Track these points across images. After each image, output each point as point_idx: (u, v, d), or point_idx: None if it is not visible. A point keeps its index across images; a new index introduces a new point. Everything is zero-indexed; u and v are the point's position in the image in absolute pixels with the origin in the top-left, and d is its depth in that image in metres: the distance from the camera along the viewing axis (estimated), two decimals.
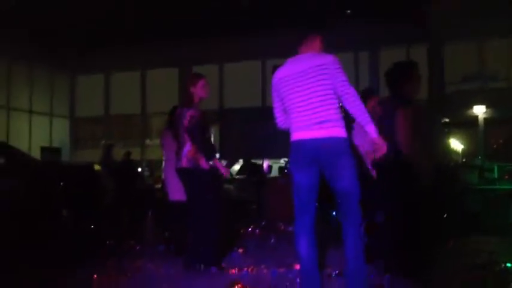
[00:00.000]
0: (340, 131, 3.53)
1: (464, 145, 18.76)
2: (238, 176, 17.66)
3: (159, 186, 15.37)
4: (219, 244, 4.88)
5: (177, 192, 6.06)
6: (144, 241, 6.58)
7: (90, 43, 21.30)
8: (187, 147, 4.75)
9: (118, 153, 14.07)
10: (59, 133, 24.03)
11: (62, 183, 7.37)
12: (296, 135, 3.63)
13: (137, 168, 15.72)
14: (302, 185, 3.62)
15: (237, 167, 18.19)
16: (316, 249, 3.63)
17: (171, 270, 4.88)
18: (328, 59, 3.59)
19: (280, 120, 3.89)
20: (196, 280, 4.44)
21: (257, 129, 15.63)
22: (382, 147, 3.57)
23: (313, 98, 3.55)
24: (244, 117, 16.86)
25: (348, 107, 3.53)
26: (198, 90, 4.94)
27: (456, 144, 18.83)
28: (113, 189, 9.98)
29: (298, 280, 4.32)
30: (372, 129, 3.53)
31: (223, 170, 5.25)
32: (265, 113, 18.74)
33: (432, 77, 17.43)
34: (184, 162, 4.80)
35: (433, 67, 17.43)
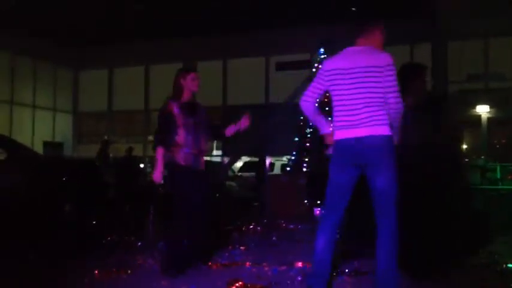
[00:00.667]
0: (385, 129, 3.50)
1: (467, 145, 18.71)
2: (240, 173, 17.69)
3: (161, 182, 15.39)
4: (198, 244, 4.72)
5: None
6: (145, 237, 6.58)
7: (94, 38, 21.31)
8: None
9: (120, 149, 14.09)
10: (62, 128, 24.09)
11: (64, 178, 7.36)
12: (341, 134, 3.57)
13: (139, 164, 15.73)
14: (339, 185, 3.59)
15: (239, 164, 18.22)
16: (332, 249, 3.62)
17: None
18: (386, 60, 3.53)
19: (309, 104, 3.74)
20: (196, 277, 4.43)
21: (260, 126, 15.59)
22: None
23: (364, 98, 3.50)
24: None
25: (392, 113, 3.55)
26: (189, 84, 4.86)
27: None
28: (114, 185, 9.98)
29: (299, 278, 4.32)
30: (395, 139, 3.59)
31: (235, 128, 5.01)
32: (269, 110, 18.84)
33: (436, 75, 17.37)
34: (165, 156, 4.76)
35: (437, 65, 17.37)
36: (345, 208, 3.63)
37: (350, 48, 3.68)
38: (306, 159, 11.26)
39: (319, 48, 11.69)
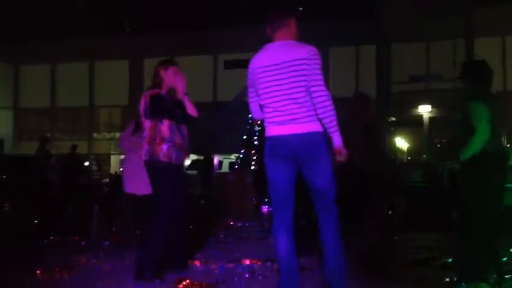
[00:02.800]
0: (318, 126, 3.45)
1: (409, 143, 19.31)
2: (188, 172, 17.55)
3: (106, 180, 15.10)
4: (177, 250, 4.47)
5: (128, 185, 6.00)
6: (89, 237, 6.44)
7: (36, 33, 20.65)
8: (145, 135, 4.38)
9: (64, 147, 13.73)
10: (2, 124, 23.20)
11: (3, 176, 7.10)
12: (273, 130, 3.51)
13: (83, 162, 15.36)
14: (280, 181, 3.51)
15: (187, 162, 18.06)
16: (294, 245, 3.52)
17: (116, 266, 4.79)
18: (309, 52, 3.44)
19: (257, 114, 3.70)
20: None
21: (208, 124, 15.58)
22: (343, 156, 3.47)
23: (292, 93, 3.42)
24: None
25: (318, 108, 3.41)
26: (169, 77, 4.48)
27: (401, 143, 19.35)
28: (56, 183, 9.73)
29: (246, 275, 4.34)
30: (337, 138, 3.45)
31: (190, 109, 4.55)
32: (217, 108, 18.79)
33: (379, 76, 17.82)
34: (143, 154, 4.39)
35: (381, 67, 17.82)
36: (293, 204, 3.55)
37: (270, 44, 3.59)
38: (254, 157, 11.33)
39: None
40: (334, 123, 3.42)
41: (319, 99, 3.39)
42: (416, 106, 18.41)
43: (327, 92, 3.42)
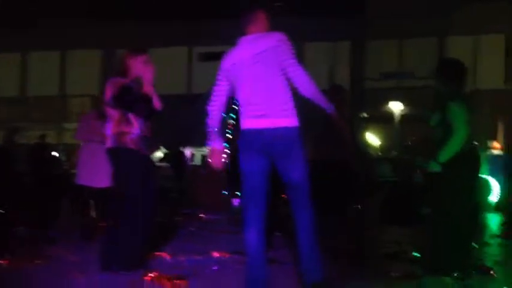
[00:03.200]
0: (294, 121, 3.46)
1: (381, 140, 19.53)
2: (160, 164, 17.43)
3: (75, 171, 14.90)
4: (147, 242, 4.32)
5: (83, 176, 5.95)
6: (58, 227, 6.37)
7: (5, 20, 20.19)
8: (110, 123, 4.24)
9: (35, 137, 13.49)
10: None
11: None
12: (248, 124, 3.50)
13: (52, 152, 15.12)
14: (253, 173, 3.51)
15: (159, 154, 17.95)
16: (264, 238, 3.51)
17: (85, 257, 4.74)
18: (277, 38, 3.46)
19: (216, 106, 3.67)
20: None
21: (181, 116, 15.49)
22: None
23: (267, 86, 3.44)
24: (168, 104, 16.62)
25: (298, 86, 3.45)
26: (137, 66, 4.33)
27: (373, 139, 19.56)
28: (25, 173, 9.57)
29: (215, 267, 4.34)
30: (328, 106, 3.54)
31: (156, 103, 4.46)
32: (191, 100, 18.68)
33: (354, 72, 17.97)
34: (108, 142, 4.23)
35: (356, 63, 17.97)
36: (265, 198, 3.54)
37: (243, 38, 3.61)
38: (227, 151, 11.31)
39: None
40: (321, 95, 3.50)
41: (299, 78, 3.43)
42: (388, 103, 18.62)
43: (303, 70, 3.44)
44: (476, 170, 4.32)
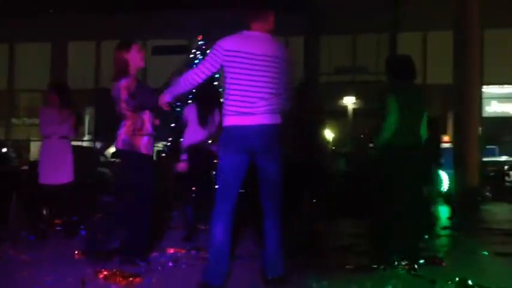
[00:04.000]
0: (276, 118, 3.57)
1: (334, 134, 19.79)
2: (114, 159, 17.14)
3: (25, 167, 14.47)
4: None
5: (46, 175, 5.83)
6: (7, 226, 6.16)
7: None
8: (124, 125, 4.21)
9: None
10: None
11: None
12: (232, 120, 3.51)
13: (1, 148, 14.65)
14: (232, 169, 3.54)
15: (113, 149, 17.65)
16: (230, 235, 3.55)
17: (34, 256, 4.62)
18: (285, 51, 3.64)
19: (195, 81, 3.60)
20: (62, 266, 4.24)
21: None
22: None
23: (266, 87, 3.51)
24: None
25: (283, 99, 3.62)
26: (134, 57, 4.26)
27: (327, 133, 19.81)
28: None
29: (170, 264, 4.30)
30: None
31: None
32: None
33: (308, 67, 18.14)
34: (119, 144, 4.24)
35: (309, 58, 18.13)
36: (237, 194, 3.59)
37: (249, 33, 3.60)
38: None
39: (198, 35, 11.63)
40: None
41: (288, 95, 3.62)
42: (341, 97, 18.89)
43: (289, 92, 3.66)
44: (411, 163, 4.46)
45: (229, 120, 3.53)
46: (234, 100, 3.50)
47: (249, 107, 3.48)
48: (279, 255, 3.57)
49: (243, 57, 3.48)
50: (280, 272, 3.56)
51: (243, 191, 3.78)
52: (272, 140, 3.54)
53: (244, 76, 3.48)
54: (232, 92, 3.51)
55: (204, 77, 3.57)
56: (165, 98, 3.81)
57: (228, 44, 3.51)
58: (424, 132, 4.57)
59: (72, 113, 6.11)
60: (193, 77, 3.58)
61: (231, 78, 3.51)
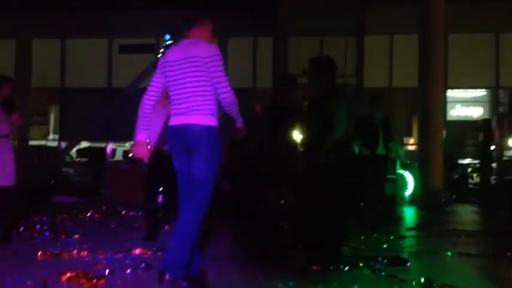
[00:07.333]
0: (206, 120, 3.60)
1: (301, 134, 19.89)
2: (79, 159, 16.88)
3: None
4: None
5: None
6: None
7: None
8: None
9: None
10: None
11: None
12: (172, 121, 3.71)
13: None
14: (179, 169, 3.71)
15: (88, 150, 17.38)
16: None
17: None
18: (208, 51, 3.64)
19: (151, 97, 3.79)
20: (23, 268, 4.14)
21: (101, 111, 15.05)
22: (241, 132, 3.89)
23: (189, 87, 3.61)
24: (88, 98, 16.08)
25: (223, 105, 3.68)
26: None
27: (296, 134, 19.90)
28: None
29: (129, 264, 4.24)
30: (240, 121, 3.85)
31: None
32: (111, 94, 18.13)
33: (276, 69, 18.20)
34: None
35: (277, 60, 18.21)
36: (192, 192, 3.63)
37: (184, 41, 3.80)
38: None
39: (166, 34, 11.54)
40: (238, 113, 3.79)
41: (224, 96, 3.64)
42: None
43: (229, 89, 3.65)
44: (358, 167, 4.58)
45: (170, 121, 3.75)
46: (171, 103, 3.74)
47: (179, 108, 3.65)
48: (179, 254, 3.50)
49: (167, 66, 3.72)
50: (189, 272, 3.55)
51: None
52: (197, 140, 3.58)
53: (173, 82, 3.69)
54: (170, 97, 3.75)
55: (151, 93, 3.79)
56: (140, 137, 3.80)
57: (166, 56, 3.79)
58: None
59: (12, 109, 5.56)
60: (145, 97, 3.79)
61: (168, 86, 3.75)
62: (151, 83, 3.81)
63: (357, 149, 7.00)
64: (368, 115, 7.22)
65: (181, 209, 3.62)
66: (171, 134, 3.72)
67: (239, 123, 3.87)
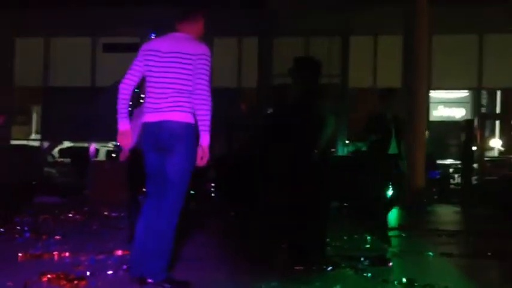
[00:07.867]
0: (184, 117, 3.49)
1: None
2: (61, 159, 16.71)
3: None
4: None
5: None
6: None
7: None
8: None
9: None
10: None
11: None
12: (148, 117, 3.59)
13: None
14: (151, 168, 3.64)
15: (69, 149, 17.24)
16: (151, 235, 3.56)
17: None
18: (198, 50, 3.52)
19: (128, 84, 3.62)
20: (5, 269, 4.08)
21: (85, 110, 14.93)
22: (204, 159, 3.53)
23: (172, 83, 3.50)
24: (70, 97, 15.95)
25: (196, 106, 3.49)
26: None
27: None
28: None
29: (125, 267, 4.20)
30: (206, 137, 3.50)
31: None
32: (94, 93, 17.95)
33: (261, 68, 18.21)
34: None
35: (263, 59, 18.21)
36: (160, 194, 3.56)
37: (175, 34, 3.66)
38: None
39: (151, 33, 11.46)
40: (208, 123, 3.49)
41: (200, 100, 3.48)
42: None
43: (208, 94, 3.51)
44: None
45: (145, 117, 3.63)
46: (148, 97, 3.60)
47: (157, 103, 3.52)
48: (149, 253, 3.50)
49: (151, 55, 3.56)
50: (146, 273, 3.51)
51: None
52: (175, 138, 3.49)
53: (151, 73, 3.56)
54: (147, 90, 3.61)
55: (129, 82, 3.62)
56: (123, 126, 3.63)
57: (147, 44, 3.66)
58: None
59: None
60: (121, 86, 3.63)
61: (147, 76, 3.61)
62: (130, 70, 3.64)
63: (352, 148, 6.83)
64: (380, 113, 6.31)
65: (148, 208, 3.58)
66: (145, 131, 3.61)
67: (205, 139, 3.51)
